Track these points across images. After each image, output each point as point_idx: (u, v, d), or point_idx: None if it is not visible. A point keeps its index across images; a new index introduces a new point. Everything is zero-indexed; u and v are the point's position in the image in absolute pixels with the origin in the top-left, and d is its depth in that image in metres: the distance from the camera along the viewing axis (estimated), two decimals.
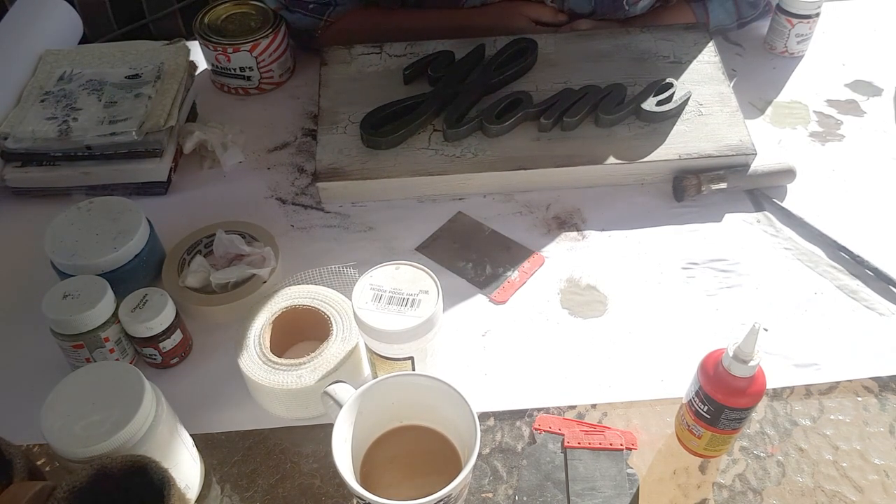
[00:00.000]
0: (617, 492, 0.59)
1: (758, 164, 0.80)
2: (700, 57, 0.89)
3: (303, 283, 0.69)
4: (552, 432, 0.63)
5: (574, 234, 0.78)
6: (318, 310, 0.66)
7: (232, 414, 0.66)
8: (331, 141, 0.83)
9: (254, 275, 0.72)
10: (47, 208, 0.81)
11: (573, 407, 0.65)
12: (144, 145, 0.80)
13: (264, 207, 0.82)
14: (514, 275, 0.75)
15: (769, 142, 0.87)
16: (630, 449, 0.62)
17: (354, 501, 0.54)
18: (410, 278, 0.60)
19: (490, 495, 0.60)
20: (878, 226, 0.78)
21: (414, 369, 0.60)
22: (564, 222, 0.79)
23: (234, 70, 0.92)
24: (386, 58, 0.91)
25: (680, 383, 0.65)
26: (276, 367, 0.62)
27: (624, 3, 0.92)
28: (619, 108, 0.82)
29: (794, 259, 0.75)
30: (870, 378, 0.67)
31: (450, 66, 0.88)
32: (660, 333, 0.70)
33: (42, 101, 0.83)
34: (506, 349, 0.69)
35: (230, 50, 0.90)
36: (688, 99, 0.84)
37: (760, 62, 0.97)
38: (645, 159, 0.80)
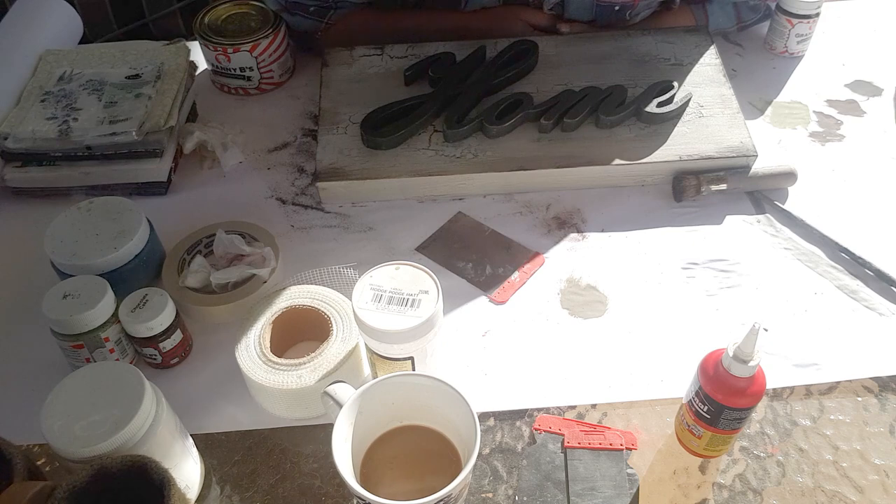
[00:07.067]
0: (617, 492, 0.59)
1: (759, 166, 0.80)
2: (701, 59, 0.89)
3: (303, 283, 0.69)
4: (552, 432, 0.63)
5: (574, 234, 0.78)
6: (318, 310, 0.66)
7: (232, 414, 0.66)
8: (331, 141, 0.83)
9: (254, 275, 0.72)
10: (47, 208, 0.81)
11: (573, 407, 0.65)
12: (144, 145, 0.80)
13: (264, 207, 0.82)
14: (514, 275, 0.75)
15: (769, 142, 0.87)
16: (630, 449, 0.62)
17: (354, 501, 0.54)
18: (410, 278, 0.60)
19: (490, 495, 0.60)
20: (879, 226, 0.78)
21: (414, 369, 0.60)
22: (564, 222, 0.79)
23: (234, 70, 0.92)
24: (387, 59, 0.91)
25: (680, 383, 0.65)
26: (276, 367, 0.62)
27: (626, 14, 0.92)
28: (619, 109, 0.82)
29: (794, 259, 0.75)
30: (870, 378, 0.67)
31: (451, 67, 0.88)
32: (660, 333, 0.70)
33: (42, 101, 0.83)
34: (506, 349, 0.69)
35: (230, 50, 0.90)
36: (688, 100, 0.84)
37: (760, 62, 0.97)
38: (645, 160, 0.80)
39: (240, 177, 0.86)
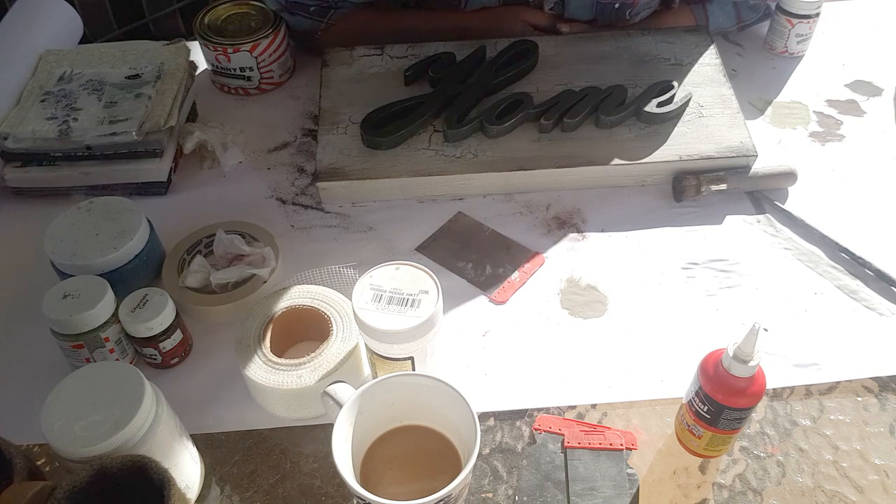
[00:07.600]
0: (617, 492, 0.59)
1: (759, 166, 0.80)
2: (701, 59, 0.89)
3: (303, 283, 0.69)
4: (552, 432, 0.63)
5: (574, 234, 0.78)
6: (318, 310, 0.66)
7: (232, 414, 0.66)
8: (331, 141, 0.83)
9: (254, 275, 0.72)
10: (47, 208, 0.81)
11: (573, 407, 0.65)
12: (144, 145, 0.80)
13: (264, 207, 0.82)
14: (514, 275, 0.75)
15: (769, 142, 0.87)
16: (630, 449, 0.62)
17: (354, 501, 0.54)
18: (410, 278, 0.60)
19: (490, 495, 0.60)
20: (879, 226, 0.78)
21: (414, 369, 0.60)
22: (564, 222, 0.79)
23: (234, 70, 0.92)
24: (387, 59, 0.91)
25: (680, 383, 0.65)
26: (276, 367, 0.62)
27: (626, 14, 0.92)
28: (619, 109, 0.82)
29: (794, 259, 0.75)
30: (870, 378, 0.67)
31: (451, 67, 0.88)
32: (660, 333, 0.70)
33: (42, 101, 0.83)
34: (506, 349, 0.69)
35: (230, 50, 0.90)
36: (688, 100, 0.84)
37: (760, 62, 0.97)
38: (645, 160, 0.80)
39: (240, 177, 0.86)
